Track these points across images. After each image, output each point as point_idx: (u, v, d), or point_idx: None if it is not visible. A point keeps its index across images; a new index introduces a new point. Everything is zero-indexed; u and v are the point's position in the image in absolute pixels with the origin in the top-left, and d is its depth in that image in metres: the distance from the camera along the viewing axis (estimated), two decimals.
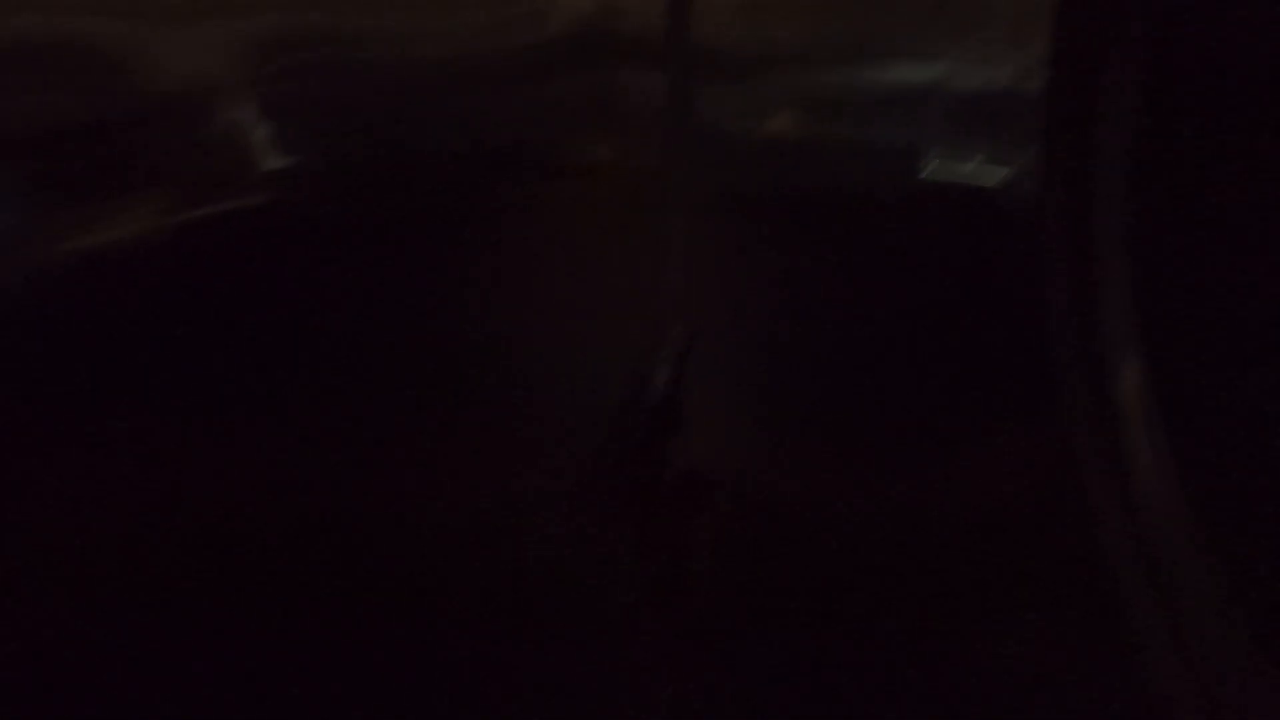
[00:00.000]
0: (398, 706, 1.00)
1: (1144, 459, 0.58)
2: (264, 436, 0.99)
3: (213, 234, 0.97)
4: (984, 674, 0.97)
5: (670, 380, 1.06)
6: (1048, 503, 0.98)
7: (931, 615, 0.99)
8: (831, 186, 1.30)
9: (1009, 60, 1.10)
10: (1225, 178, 0.56)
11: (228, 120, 0.99)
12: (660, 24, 1.09)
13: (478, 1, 1.15)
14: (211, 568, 0.99)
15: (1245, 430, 0.56)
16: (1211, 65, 0.55)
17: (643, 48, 1.19)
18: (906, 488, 1.08)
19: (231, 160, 0.99)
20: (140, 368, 0.93)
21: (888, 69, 1.28)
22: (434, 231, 1.14)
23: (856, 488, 1.07)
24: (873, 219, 1.29)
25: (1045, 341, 0.66)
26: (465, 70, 1.16)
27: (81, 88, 0.95)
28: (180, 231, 0.95)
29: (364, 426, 1.05)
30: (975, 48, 1.26)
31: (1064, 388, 0.62)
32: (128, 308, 0.93)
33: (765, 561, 1.06)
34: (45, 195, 0.93)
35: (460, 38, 1.14)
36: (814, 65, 1.28)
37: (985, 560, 1.02)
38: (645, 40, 1.18)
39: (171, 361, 0.94)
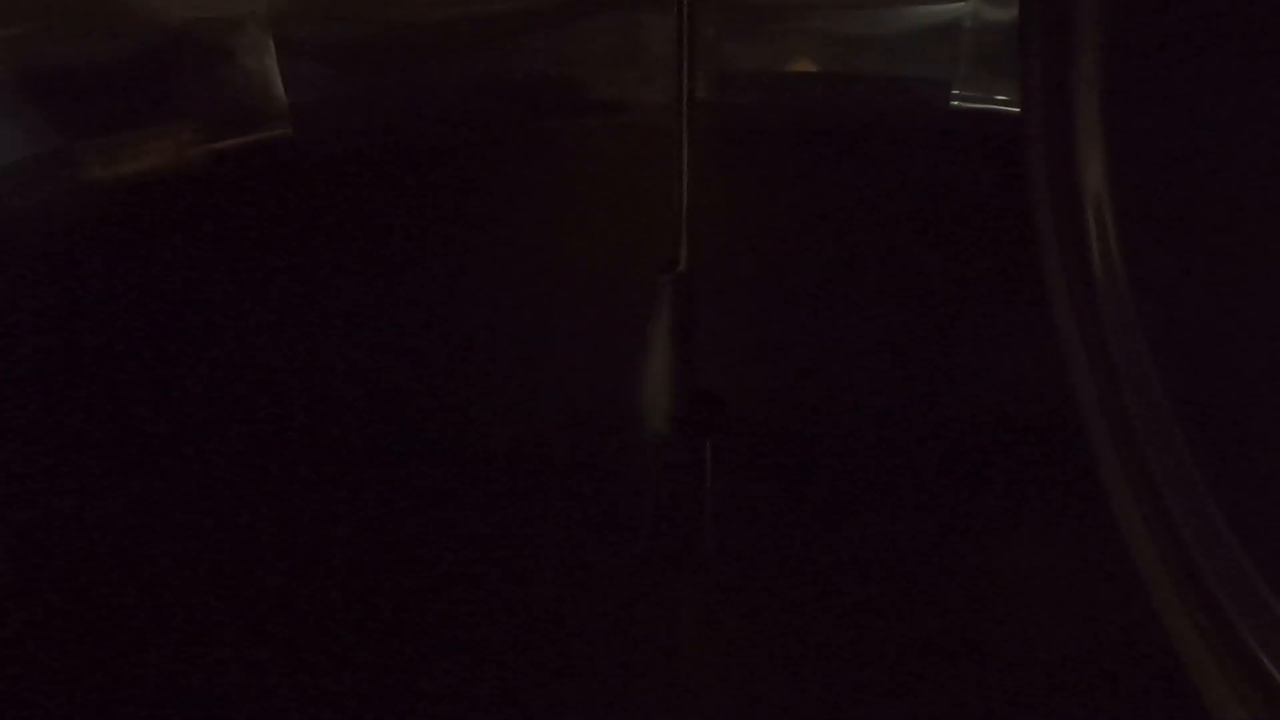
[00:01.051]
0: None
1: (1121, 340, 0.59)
2: (288, 363, 1.04)
3: (236, 166, 1.02)
4: (989, 578, 0.99)
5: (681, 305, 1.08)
6: (1045, 415, 0.99)
7: (930, 523, 1.01)
8: (857, 119, 1.31)
9: None
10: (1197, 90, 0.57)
11: (250, 56, 1.04)
12: None
13: None
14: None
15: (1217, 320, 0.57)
16: None
17: None
18: (914, 401, 1.10)
19: (255, 94, 1.04)
20: (161, 293, 0.99)
21: (916, 5, 1.29)
22: (462, 164, 1.18)
23: (864, 404, 1.09)
24: (898, 150, 1.30)
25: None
26: (494, 10, 1.20)
27: (107, 25, 1.00)
28: (203, 162, 1.01)
29: (391, 351, 1.09)
30: None
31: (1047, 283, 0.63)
32: (149, 235, 0.99)
33: (771, 479, 1.08)
34: (72, 128, 0.99)
35: None
36: (840, 2, 1.29)
37: (985, 470, 1.04)
38: None
39: (194, 288, 0.99)
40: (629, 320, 1.13)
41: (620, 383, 1.13)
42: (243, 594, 1.00)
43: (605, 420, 1.11)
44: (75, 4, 0.99)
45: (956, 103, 1.30)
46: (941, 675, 1.01)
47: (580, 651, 1.04)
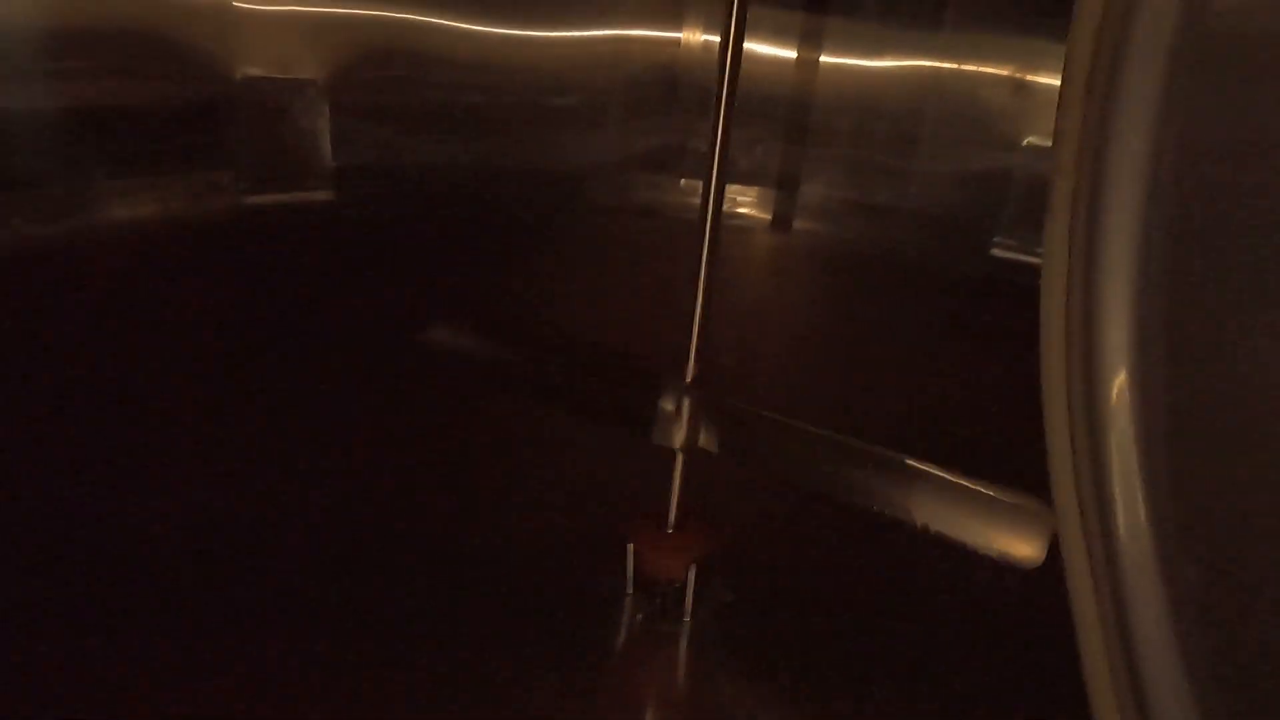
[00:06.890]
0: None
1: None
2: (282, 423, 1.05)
3: (273, 218, 1.06)
4: None
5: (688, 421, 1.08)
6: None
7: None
8: (900, 253, 1.33)
9: None
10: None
11: (305, 117, 1.08)
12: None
13: (566, 41, 1.22)
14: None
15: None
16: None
17: (707, 102, 1.25)
18: (918, 559, 1.09)
19: (304, 154, 1.08)
20: (186, 327, 1.01)
21: (964, 150, 1.30)
22: (485, 245, 1.20)
23: (861, 547, 1.08)
24: (931, 286, 1.31)
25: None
26: (549, 99, 1.24)
27: (176, 72, 1.05)
28: (239, 213, 1.05)
29: (396, 412, 1.10)
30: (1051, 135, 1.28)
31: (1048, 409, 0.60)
32: (178, 273, 1.02)
33: (757, 611, 1.07)
34: (112, 165, 1.03)
35: (542, 73, 1.22)
36: (892, 138, 1.31)
37: (974, 650, 1.02)
38: (709, 96, 1.24)
39: (218, 328, 1.01)
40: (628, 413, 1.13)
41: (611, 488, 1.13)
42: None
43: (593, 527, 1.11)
44: (150, 48, 1.04)
45: (996, 250, 1.31)
46: None
47: None
